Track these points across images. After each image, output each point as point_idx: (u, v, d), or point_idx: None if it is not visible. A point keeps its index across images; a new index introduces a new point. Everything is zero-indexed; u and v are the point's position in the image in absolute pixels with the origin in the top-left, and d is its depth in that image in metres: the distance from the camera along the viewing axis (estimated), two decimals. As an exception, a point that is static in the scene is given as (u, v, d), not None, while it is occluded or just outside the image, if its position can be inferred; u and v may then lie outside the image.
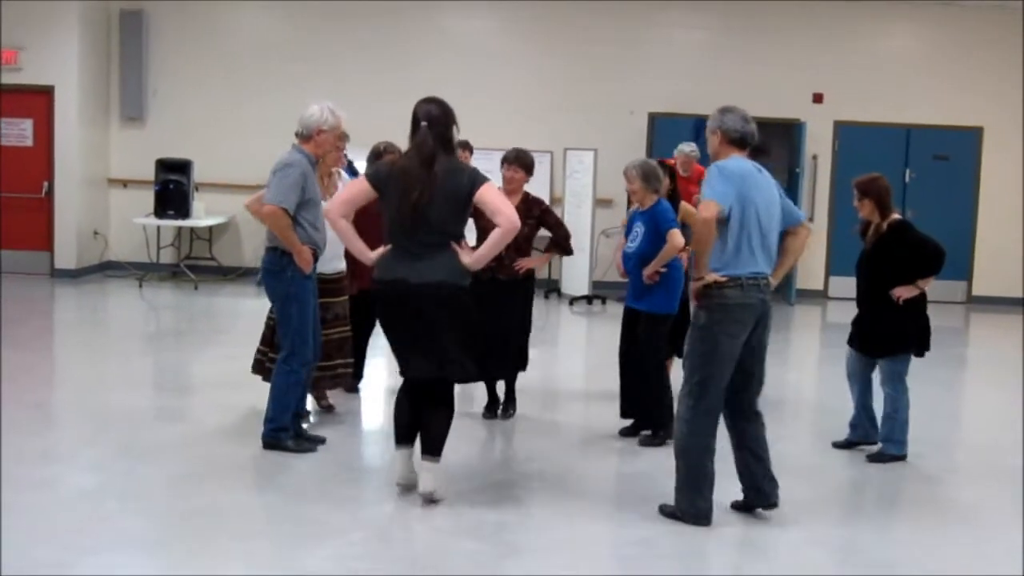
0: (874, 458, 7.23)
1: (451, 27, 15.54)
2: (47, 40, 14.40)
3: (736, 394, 5.78)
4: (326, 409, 8.01)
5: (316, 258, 6.73)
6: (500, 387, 8.14)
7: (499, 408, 8.11)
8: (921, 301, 7.25)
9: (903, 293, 7.10)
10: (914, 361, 7.34)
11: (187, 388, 9.05)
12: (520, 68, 15.44)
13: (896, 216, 7.22)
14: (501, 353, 7.66)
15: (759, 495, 5.88)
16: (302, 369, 6.78)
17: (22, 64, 14.37)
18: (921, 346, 7.29)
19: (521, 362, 8.03)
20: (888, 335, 7.17)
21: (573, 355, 11.75)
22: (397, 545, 5.52)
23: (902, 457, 7.19)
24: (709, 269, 5.60)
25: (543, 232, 8.04)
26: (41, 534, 5.28)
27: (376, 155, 8.99)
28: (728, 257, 5.62)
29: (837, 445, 7.51)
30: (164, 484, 6.24)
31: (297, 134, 6.89)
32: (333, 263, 7.45)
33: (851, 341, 7.50)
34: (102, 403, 8.06)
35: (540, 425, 8.20)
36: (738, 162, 5.77)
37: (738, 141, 5.80)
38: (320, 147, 6.80)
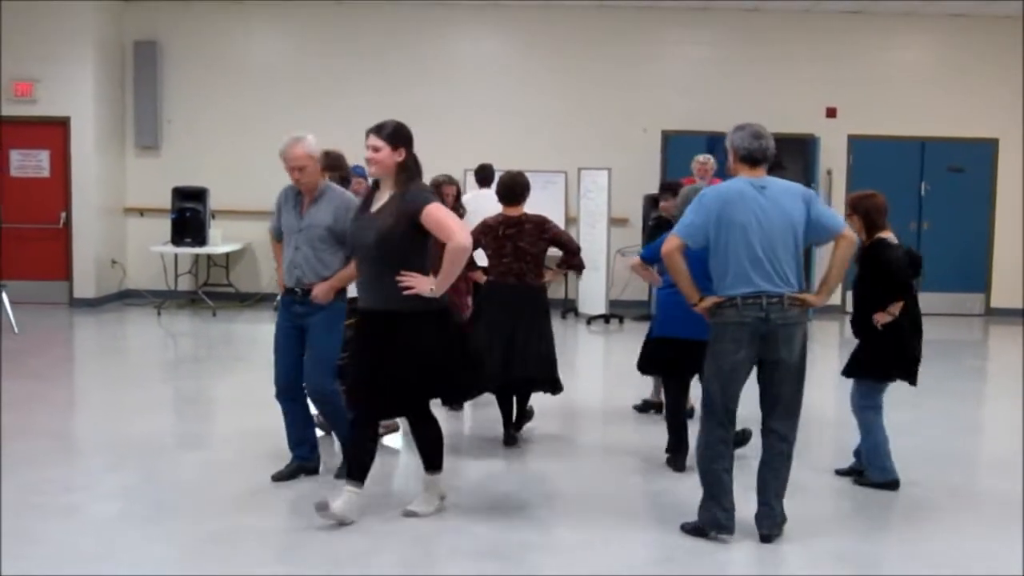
0: (860, 481, 7.00)
1: (463, 50, 15.59)
2: (62, 72, 14.51)
3: (763, 413, 5.85)
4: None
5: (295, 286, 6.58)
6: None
7: (513, 430, 8.04)
8: (898, 327, 6.81)
9: (880, 318, 6.85)
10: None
11: (207, 414, 9.08)
12: (532, 89, 15.48)
13: (880, 235, 6.88)
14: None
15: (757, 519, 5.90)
16: (277, 397, 6.78)
17: (38, 96, 14.48)
18: (901, 373, 6.94)
19: (547, 377, 7.90)
20: (860, 358, 6.96)
21: (592, 374, 11.73)
22: (419, 566, 5.51)
23: (888, 484, 6.88)
24: (719, 292, 5.74)
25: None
26: (64, 561, 5.29)
27: (435, 186, 9.17)
28: (720, 279, 5.73)
29: (840, 472, 7.24)
30: (186, 510, 6.25)
31: None
32: None
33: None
34: (123, 431, 8.08)
35: (559, 444, 8.20)
36: (724, 186, 5.87)
37: (747, 158, 5.82)
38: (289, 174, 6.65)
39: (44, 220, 14.88)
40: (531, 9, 15.40)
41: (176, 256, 14.93)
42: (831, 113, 15.61)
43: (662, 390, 8.32)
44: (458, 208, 9.51)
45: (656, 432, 8.52)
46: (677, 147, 14.98)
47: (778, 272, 5.67)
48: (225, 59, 15.50)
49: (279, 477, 6.76)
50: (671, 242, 5.78)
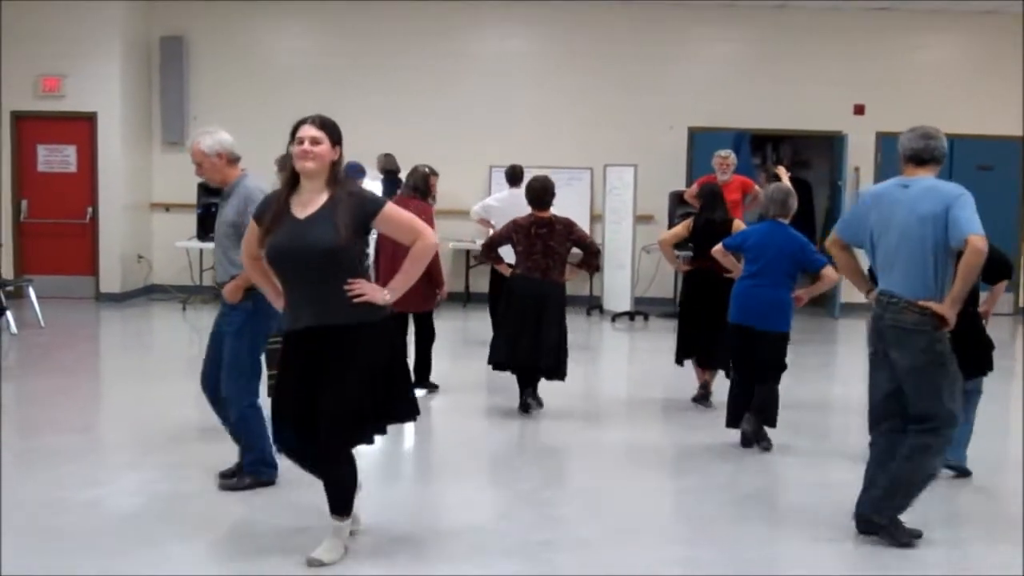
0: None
1: (488, 47, 15.58)
2: (89, 67, 14.57)
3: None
4: None
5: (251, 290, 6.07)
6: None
7: (527, 399, 8.80)
8: (977, 320, 6.96)
9: (987, 309, 7.02)
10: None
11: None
12: (558, 86, 15.45)
13: None
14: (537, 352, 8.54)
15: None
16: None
17: (65, 91, 14.54)
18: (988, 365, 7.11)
19: (561, 368, 8.72)
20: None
21: (616, 371, 11.68)
22: (438, 565, 5.49)
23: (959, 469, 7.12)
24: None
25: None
26: (86, 557, 5.29)
27: (424, 177, 9.52)
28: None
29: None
30: (209, 507, 6.25)
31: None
32: None
33: None
34: (147, 425, 8.09)
35: (583, 442, 8.18)
36: (879, 184, 6.00)
37: (912, 158, 5.83)
38: None
39: (71, 215, 14.94)
40: (557, 7, 15.35)
41: (201, 251, 14.97)
42: (859, 110, 15.52)
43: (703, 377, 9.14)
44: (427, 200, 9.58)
45: (680, 430, 8.51)
46: (703, 144, 14.90)
47: (901, 272, 5.64)
48: (251, 55, 15.53)
49: (227, 477, 6.58)
50: (830, 238, 6.05)
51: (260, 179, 6.42)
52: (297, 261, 4.95)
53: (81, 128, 14.71)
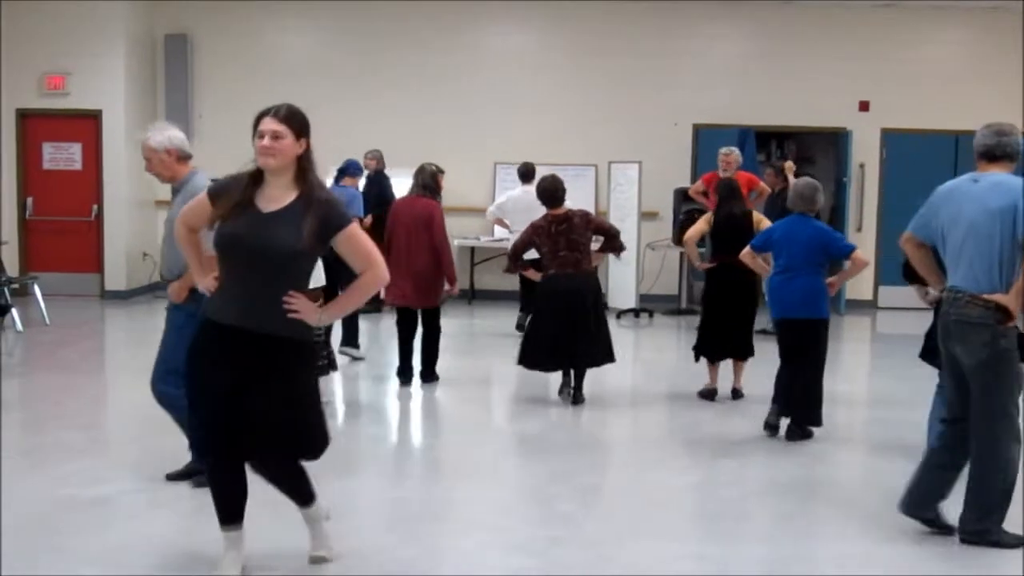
0: None
1: (492, 44, 15.57)
2: (94, 65, 14.58)
3: None
4: None
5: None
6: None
7: (571, 391, 8.99)
8: None
9: None
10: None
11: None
12: (562, 82, 15.44)
13: None
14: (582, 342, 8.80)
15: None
16: None
17: (70, 89, 14.56)
18: None
19: (609, 354, 9.05)
20: None
21: (623, 368, 11.66)
22: (445, 561, 5.50)
23: None
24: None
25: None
26: (92, 554, 5.30)
27: (432, 176, 9.61)
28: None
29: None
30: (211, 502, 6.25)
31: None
32: None
33: None
34: (153, 423, 8.06)
35: (590, 438, 8.20)
36: (950, 183, 5.90)
37: (984, 154, 5.78)
38: None
39: (76, 213, 14.96)
40: (562, 4, 15.33)
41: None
42: (864, 107, 15.49)
43: (715, 377, 9.28)
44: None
45: (686, 426, 8.52)
46: (708, 141, 14.89)
47: (966, 267, 5.61)
48: (256, 53, 15.53)
49: (174, 477, 6.51)
50: (904, 235, 6.06)
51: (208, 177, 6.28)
52: (251, 256, 4.56)
53: (86, 126, 14.72)
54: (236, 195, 4.66)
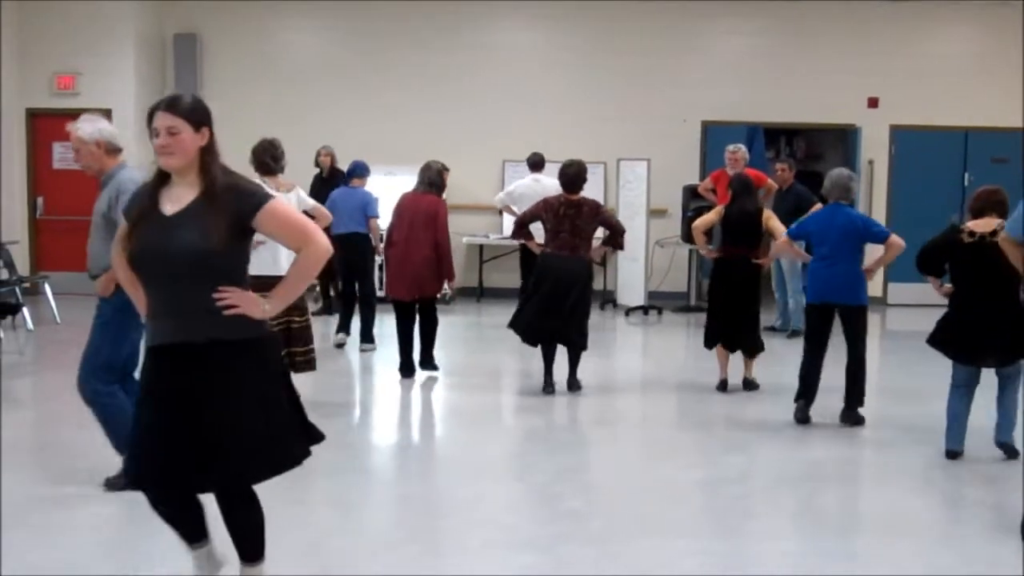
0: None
1: (500, 42, 15.58)
2: (104, 65, 14.64)
3: None
4: None
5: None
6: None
7: (554, 386, 9.17)
8: None
9: None
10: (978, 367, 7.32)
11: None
12: (570, 80, 15.46)
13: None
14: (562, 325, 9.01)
15: None
16: None
17: (80, 89, 14.61)
18: None
19: (581, 340, 9.19)
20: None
21: (631, 365, 11.67)
22: (450, 558, 5.52)
23: None
24: None
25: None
26: (98, 550, 5.33)
27: (438, 173, 9.68)
28: None
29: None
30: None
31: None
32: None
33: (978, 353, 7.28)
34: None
35: (596, 435, 8.21)
36: None
37: None
38: None
39: (86, 212, 14.74)
40: (570, 2, 15.32)
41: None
42: (873, 103, 15.47)
43: (725, 368, 9.43)
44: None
45: (694, 424, 8.54)
46: (717, 138, 14.88)
47: None
48: (264, 52, 15.57)
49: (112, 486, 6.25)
50: (1001, 235, 6.48)
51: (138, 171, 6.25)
52: (159, 265, 4.09)
53: (96, 125, 14.75)
54: (141, 203, 4.21)
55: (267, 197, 4.20)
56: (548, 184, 12.23)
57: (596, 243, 9.36)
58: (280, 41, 15.63)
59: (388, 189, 13.94)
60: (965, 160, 15.47)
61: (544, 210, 9.15)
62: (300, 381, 8.77)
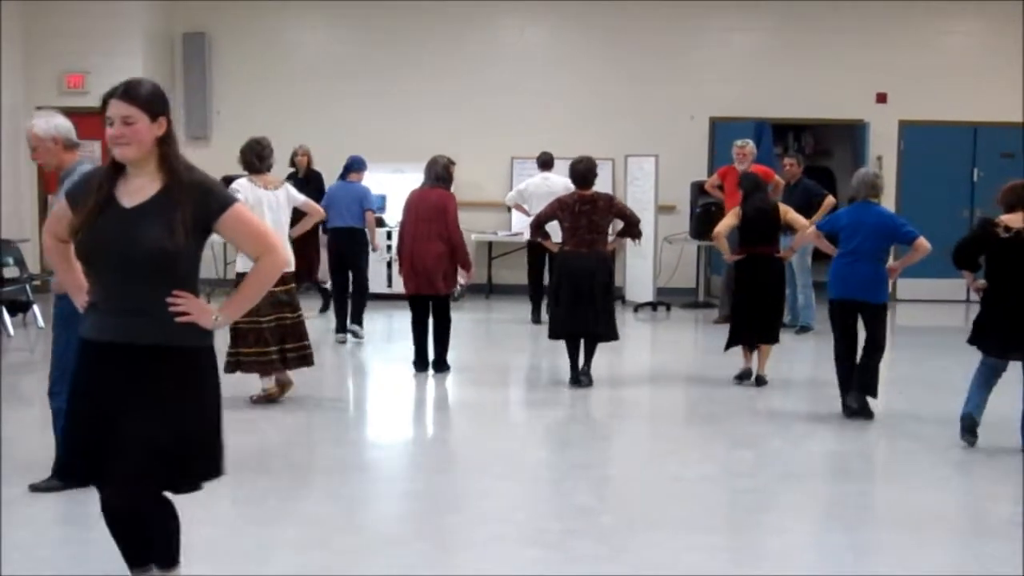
0: None
1: (508, 39, 15.60)
2: (112, 64, 14.61)
3: None
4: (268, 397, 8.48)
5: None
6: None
7: (580, 374, 9.28)
8: None
9: None
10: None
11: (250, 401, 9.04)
12: (578, 76, 15.46)
13: None
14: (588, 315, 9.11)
15: None
16: None
17: (89, 88, 14.63)
18: None
19: (612, 331, 9.32)
20: None
21: (639, 361, 11.68)
22: (459, 554, 5.54)
23: None
24: None
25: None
26: (105, 550, 5.35)
27: (445, 168, 9.72)
28: None
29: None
30: (233, 494, 6.32)
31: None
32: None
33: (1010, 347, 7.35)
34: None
35: (606, 431, 8.24)
36: None
37: None
38: None
39: (96, 210, 15.02)
40: (578, -3, 15.37)
41: (225, 244, 15.02)
42: (881, 99, 15.44)
43: (749, 358, 9.54)
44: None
45: (703, 420, 8.55)
46: (725, 134, 14.85)
47: None
48: (273, 51, 15.59)
49: (37, 488, 6.22)
50: None
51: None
52: (117, 261, 3.87)
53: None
54: (96, 193, 3.96)
55: (234, 199, 4.04)
56: (557, 182, 12.42)
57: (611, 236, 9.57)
58: (288, 39, 15.66)
59: (397, 186, 14.01)
60: (974, 155, 15.45)
61: (559, 209, 9.27)
62: (306, 378, 8.85)
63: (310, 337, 8.68)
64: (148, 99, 3.93)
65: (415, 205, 9.54)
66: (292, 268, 8.26)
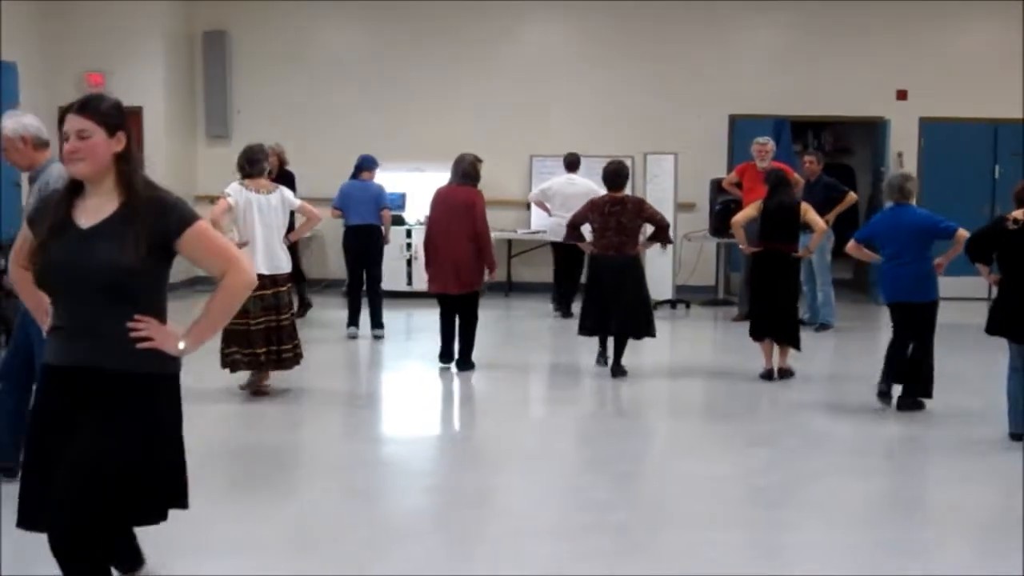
0: None
1: (528, 36, 15.60)
2: (134, 63, 14.75)
3: None
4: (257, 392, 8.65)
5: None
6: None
7: (608, 362, 9.57)
8: None
9: None
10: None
11: (271, 398, 8.99)
12: (597, 74, 15.45)
13: None
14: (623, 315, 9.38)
15: None
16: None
17: (111, 87, 14.67)
18: None
19: (650, 328, 9.58)
20: None
21: (658, 358, 11.68)
22: (477, 547, 5.57)
23: None
24: None
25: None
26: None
27: (471, 166, 9.80)
28: None
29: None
30: (256, 488, 6.37)
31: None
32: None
33: None
34: (189, 412, 8.14)
35: (624, 427, 8.25)
36: None
37: None
38: None
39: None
40: (597, -5, 15.38)
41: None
42: (901, 95, 15.38)
43: (769, 358, 9.54)
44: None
45: (719, 417, 8.56)
46: (744, 131, 14.82)
47: None
48: (293, 49, 15.64)
49: None
50: None
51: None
52: (70, 281, 3.70)
53: (127, 122, 14.87)
54: (53, 214, 3.80)
55: (195, 217, 3.81)
56: (581, 184, 12.67)
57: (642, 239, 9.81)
58: (309, 38, 15.71)
59: (416, 185, 14.06)
60: (995, 152, 15.38)
61: (591, 211, 9.56)
62: (326, 373, 8.91)
63: (328, 334, 8.74)
64: (106, 112, 3.77)
65: (442, 203, 9.61)
66: (288, 270, 8.63)
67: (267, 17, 15.58)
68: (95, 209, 3.74)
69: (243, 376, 8.72)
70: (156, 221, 3.70)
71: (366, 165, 11.71)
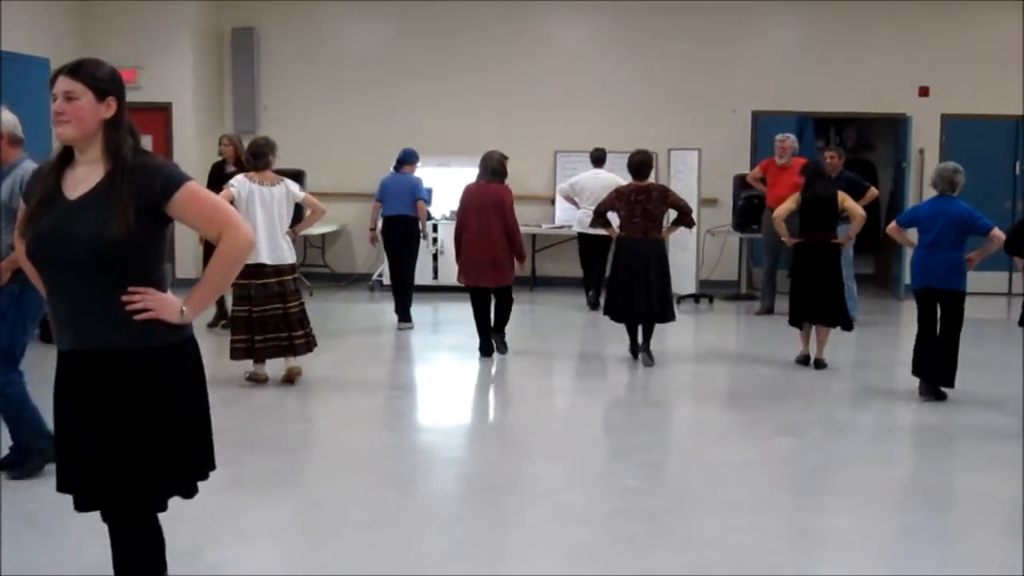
0: None
1: (552, 33, 15.70)
2: (164, 59, 14.93)
3: None
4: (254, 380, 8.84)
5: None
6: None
7: (639, 351, 9.92)
8: None
9: None
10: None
11: (306, 389, 9.19)
12: (621, 70, 15.54)
13: None
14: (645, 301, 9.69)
15: None
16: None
17: (141, 83, 14.87)
18: None
19: (668, 312, 9.88)
20: None
21: (682, 351, 11.78)
22: (508, 532, 5.70)
23: None
24: None
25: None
26: (170, 524, 5.54)
27: (499, 162, 10.12)
28: None
29: None
30: (288, 477, 6.51)
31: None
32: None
33: None
34: (222, 402, 8.26)
35: (653, 416, 8.36)
36: None
37: None
38: None
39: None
40: (621, -9, 15.46)
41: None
42: (924, 92, 15.43)
43: (807, 343, 9.96)
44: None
45: (744, 408, 8.66)
46: (767, 127, 14.93)
47: None
48: (320, 46, 15.78)
49: (10, 467, 6.27)
50: None
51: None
52: (57, 255, 3.54)
53: (156, 118, 15.05)
54: (42, 185, 3.65)
55: (184, 177, 3.62)
56: (607, 178, 12.93)
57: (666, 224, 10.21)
58: (336, 35, 15.84)
59: (443, 180, 14.20)
60: (1017, 148, 15.43)
61: (617, 199, 9.89)
62: (359, 364, 9.04)
63: (356, 326, 8.85)
64: (96, 76, 3.61)
65: (473, 199, 9.92)
66: (292, 260, 8.86)
67: (295, 15, 15.71)
68: (82, 179, 3.59)
69: (278, 366, 8.86)
70: (143, 186, 3.53)
71: (407, 159, 11.86)
